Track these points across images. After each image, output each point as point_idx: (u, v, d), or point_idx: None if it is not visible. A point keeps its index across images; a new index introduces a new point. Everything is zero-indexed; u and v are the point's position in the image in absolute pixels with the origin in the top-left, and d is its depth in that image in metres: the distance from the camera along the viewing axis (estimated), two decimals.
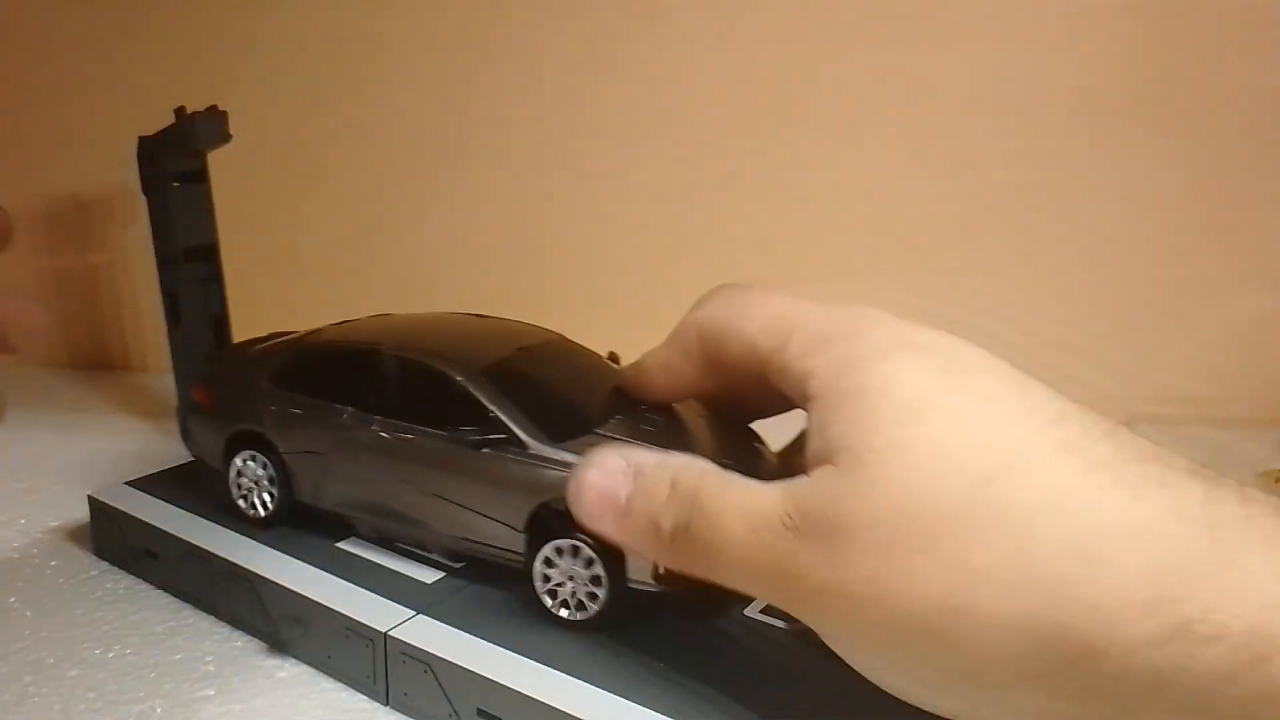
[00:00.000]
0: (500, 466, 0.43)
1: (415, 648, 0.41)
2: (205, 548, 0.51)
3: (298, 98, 0.92)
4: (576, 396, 0.47)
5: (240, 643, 0.49)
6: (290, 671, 0.46)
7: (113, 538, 0.57)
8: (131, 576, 0.55)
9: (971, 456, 0.28)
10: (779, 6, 0.79)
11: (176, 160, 0.69)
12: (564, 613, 0.43)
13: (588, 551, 0.41)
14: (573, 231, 0.89)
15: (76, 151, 0.98)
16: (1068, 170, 0.77)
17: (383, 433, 0.46)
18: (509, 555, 0.44)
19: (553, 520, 0.42)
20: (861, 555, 0.28)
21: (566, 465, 0.41)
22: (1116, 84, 0.74)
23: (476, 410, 0.44)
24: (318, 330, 0.55)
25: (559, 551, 0.42)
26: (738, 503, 0.31)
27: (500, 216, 0.91)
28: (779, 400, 0.36)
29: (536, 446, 0.42)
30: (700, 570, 0.32)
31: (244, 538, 0.51)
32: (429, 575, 0.47)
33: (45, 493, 0.68)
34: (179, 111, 0.68)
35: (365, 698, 0.44)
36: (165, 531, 0.53)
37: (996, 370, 0.32)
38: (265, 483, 0.51)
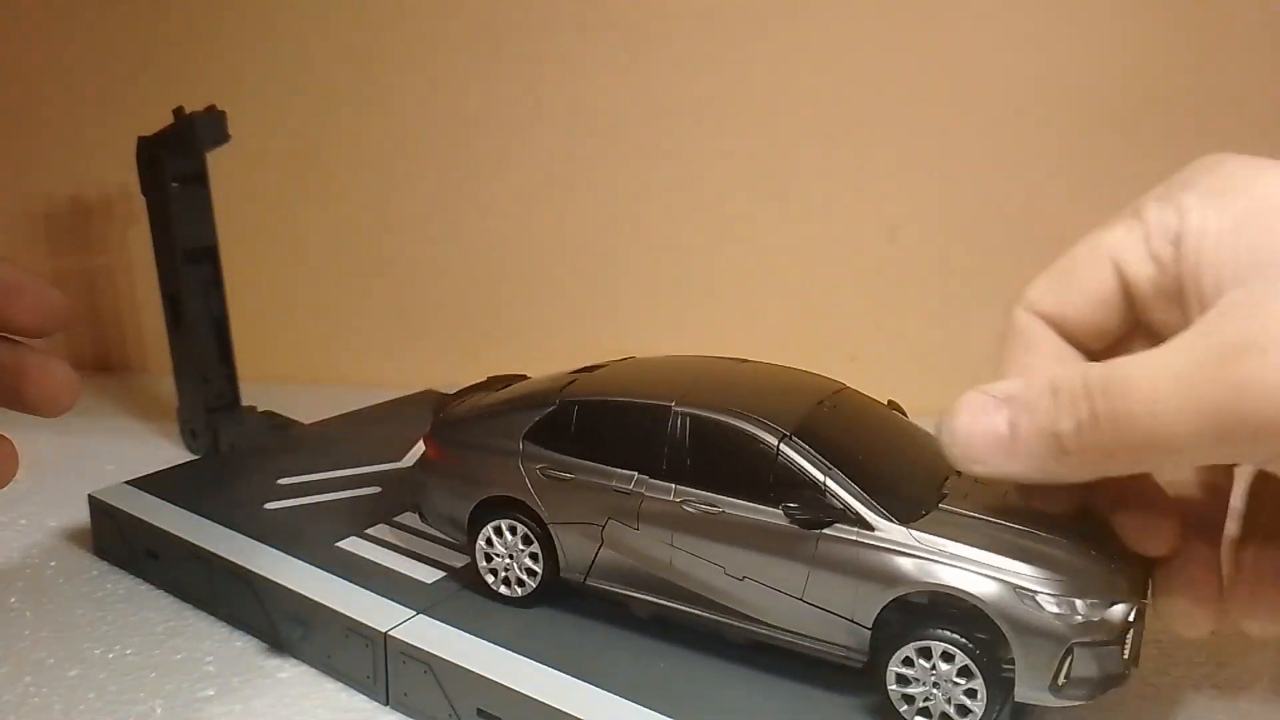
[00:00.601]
0: (842, 551, 0.36)
1: (415, 648, 0.42)
2: (206, 548, 0.51)
3: (298, 98, 0.92)
4: (896, 461, 0.41)
5: (240, 643, 0.49)
6: (291, 671, 0.46)
7: (113, 538, 0.57)
8: (132, 577, 0.55)
9: None
10: (783, 12, 0.79)
11: (176, 160, 0.69)
12: None
13: (962, 658, 0.35)
14: (577, 231, 0.89)
15: (76, 151, 0.98)
16: (1070, 171, 0.77)
17: (681, 504, 0.40)
18: (846, 653, 0.38)
19: (909, 617, 0.36)
20: None
21: (928, 552, 0.35)
22: (1119, 84, 0.75)
23: (800, 482, 0.38)
24: (572, 379, 0.46)
25: (923, 654, 0.35)
26: (1146, 366, 0.29)
27: (502, 216, 0.91)
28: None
29: (885, 528, 0.36)
30: (1124, 451, 0.29)
31: (244, 537, 0.51)
32: (429, 575, 0.47)
33: (45, 493, 0.68)
34: (178, 112, 0.68)
35: (365, 698, 0.44)
36: (166, 532, 0.53)
37: None
38: (525, 557, 0.45)
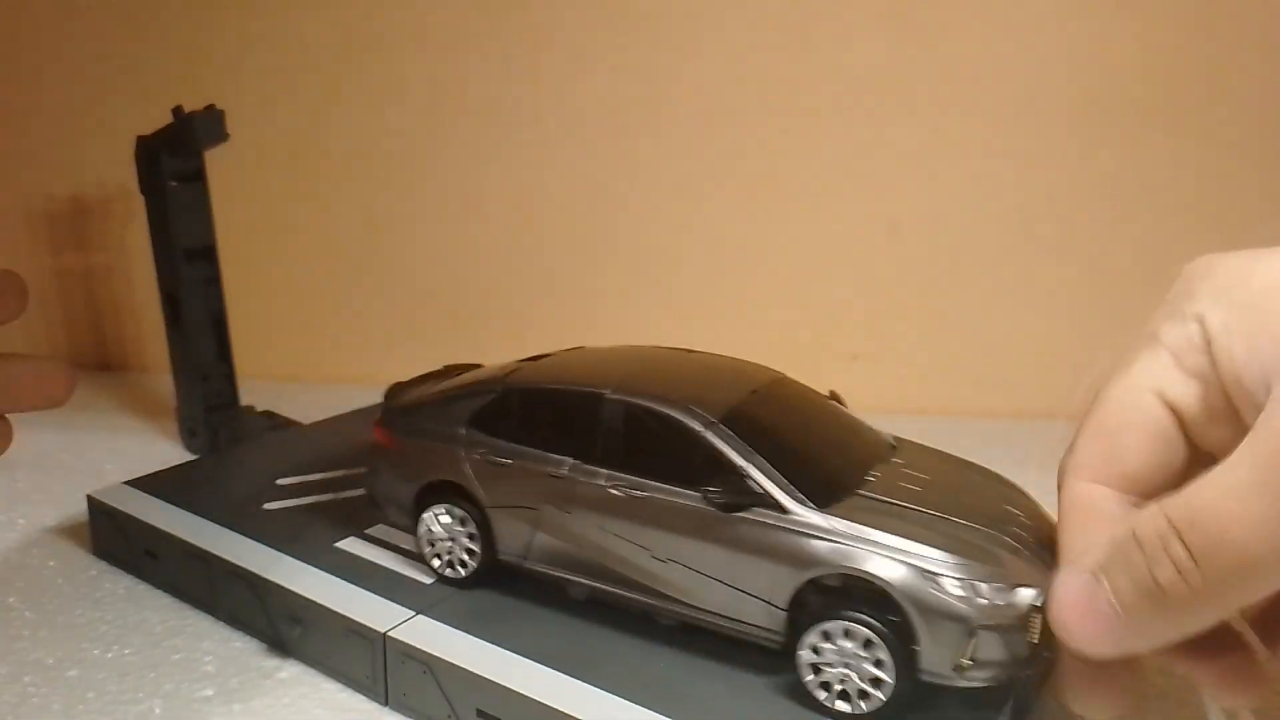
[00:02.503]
0: (759, 534, 0.37)
1: (415, 648, 0.41)
2: (205, 548, 0.51)
3: (297, 98, 0.92)
4: (823, 449, 0.42)
5: (240, 643, 0.49)
6: (290, 672, 0.46)
7: (112, 538, 0.57)
8: (131, 576, 0.55)
9: None
10: (782, 9, 0.79)
11: (175, 159, 0.69)
12: (843, 705, 0.37)
13: (866, 634, 0.36)
14: (577, 230, 0.89)
15: (76, 151, 0.98)
16: (1072, 172, 0.77)
17: (611, 488, 0.41)
18: (763, 634, 0.39)
19: (822, 599, 0.37)
20: None
21: (841, 536, 0.36)
22: (1121, 83, 0.74)
23: (723, 466, 0.39)
24: (516, 368, 0.48)
25: (828, 635, 0.37)
26: (1226, 482, 0.27)
27: (502, 215, 0.90)
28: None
29: (801, 513, 0.37)
30: (1236, 585, 0.27)
31: (244, 538, 0.51)
32: (428, 575, 0.47)
33: (45, 493, 0.68)
34: (177, 111, 0.68)
35: (365, 698, 0.44)
36: (165, 531, 0.53)
37: None
38: (465, 539, 0.46)
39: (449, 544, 0.46)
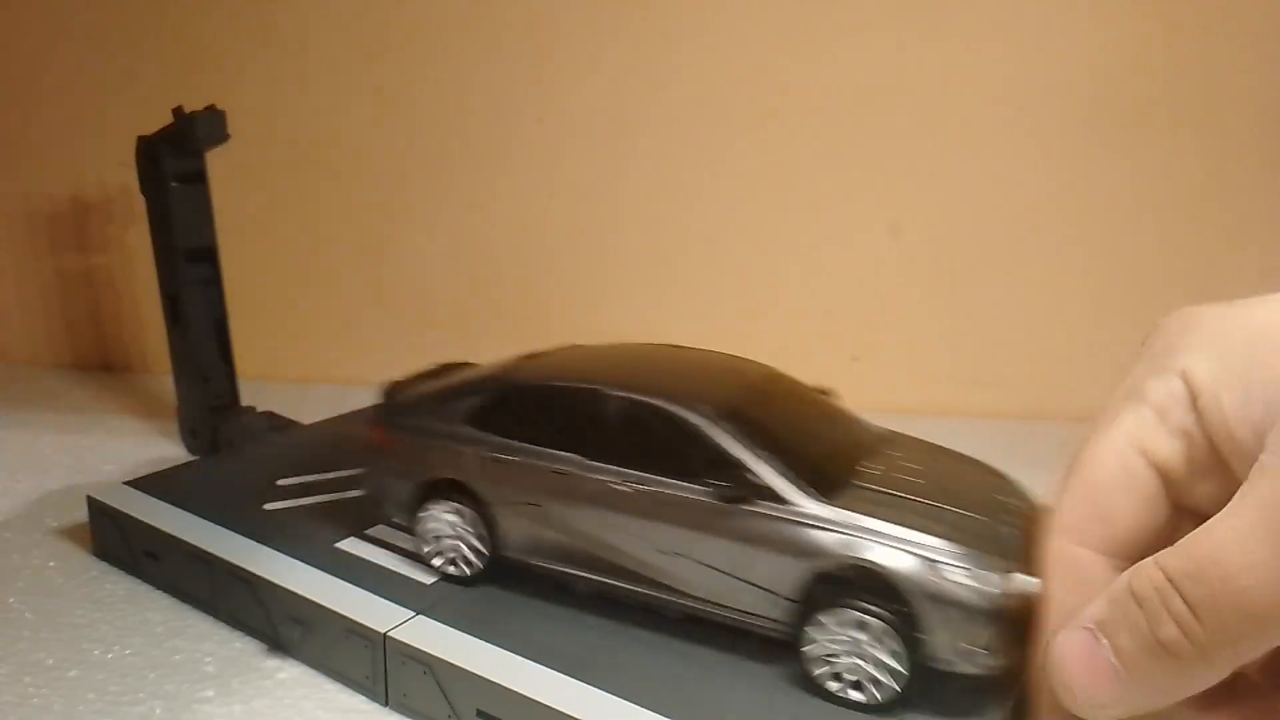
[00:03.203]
0: (762, 526, 0.38)
1: (415, 648, 0.41)
2: (205, 548, 0.50)
3: (299, 98, 0.92)
4: (819, 442, 0.43)
5: (240, 643, 0.49)
6: (290, 672, 0.46)
7: (113, 538, 0.57)
8: (131, 577, 0.55)
9: None
10: (785, 11, 0.79)
11: (176, 160, 0.69)
12: (855, 694, 0.37)
13: (876, 624, 0.36)
14: (578, 232, 0.89)
15: (76, 151, 0.98)
16: (1073, 173, 0.77)
17: (615, 484, 0.41)
18: (771, 625, 0.39)
19: (830, 589, 0.37)
20: None
21: (847, 527, 0.37)
22: (1121, 84, 0.74)
23: (725, 460, 0.39)
24: (514, 366, 0.48)
25: (838, 626, 0.37)
26: (1226, 534, 0.28)
27: (503, 216, 0.90)
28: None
29: (804, 503, 0.38)
30: (1245, 638, 0.28)
31: (244, 538, 0.51)
32: (428, 576, 0.47)
33: (45, 493, 0.68)
34: (178, 111, 0.67)
35: (365, 698, 0.44)
36: (165, 532, 0.53)
37: None
38: (470, 537, 0.46)
39: (453, 542, 0.46)
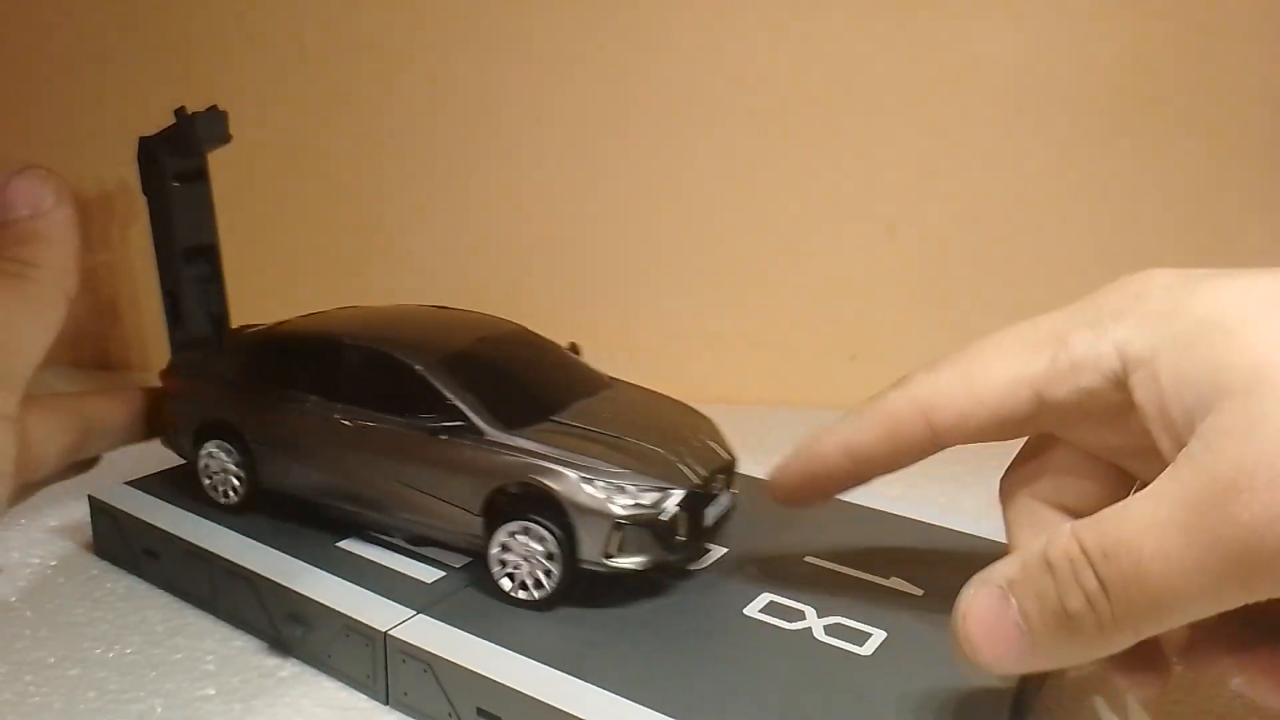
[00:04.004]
0: (457, 453, 0.45)
1: (415, 647, 0.42)
2: (205, 547, 0.51)
3: (298, 97, 0.92)
4: (534, 386, 0.49)
5: (240, 642, 0.49)
6: (290, 671, 0.46)
7: (113, 537, 0.57)
8: (132, 576, 0.55)
9: None
10: (781, 6, 0.79)
11: (176, 160, 0.69)
12: (521, 594, 0.44)
13: (539, 530, 0.43)
14: (571, 227, 0.89)
15: (76, 151, 0.98)
16: (1072, 172, 0.78)
17: (345, 420, 0.48)
18: (467, 538, 0.46)
19: (507, 504, 0.44)
20: None
21: (522, 451, 0.44)
22: (1120, 82, 0.75)
23: (435, 398, 0.46)
24: (286, 321, 0.57)
25: (513, 535, 0.44)
26: (1142, 518, 0.26)
27: (501, 216, 0.91)
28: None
29: (492, 433, 0.44)
30: (1148, 620, 0.26)
31: (244, 538, 0.51)
32: (429, 575, 0.47)
33: (45, 493, 0.68)
34: (179, 111, 0.67)
35: (365, 697, 0.44)
36: (165, 531, 0.53)
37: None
38: (233, 470, 0.53)
39: (222, 475, 0.53)
